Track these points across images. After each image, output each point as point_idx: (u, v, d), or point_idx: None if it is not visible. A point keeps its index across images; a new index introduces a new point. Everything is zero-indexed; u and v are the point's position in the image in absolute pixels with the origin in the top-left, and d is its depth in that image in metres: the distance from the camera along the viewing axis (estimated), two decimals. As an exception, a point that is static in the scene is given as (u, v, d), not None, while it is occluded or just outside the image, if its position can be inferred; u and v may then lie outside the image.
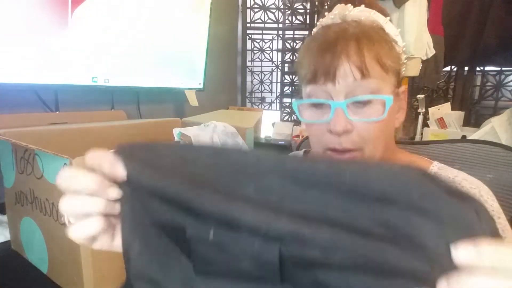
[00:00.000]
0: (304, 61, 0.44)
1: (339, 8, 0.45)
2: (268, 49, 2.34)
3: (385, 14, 0.47)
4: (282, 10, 2.26)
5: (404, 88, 0.47)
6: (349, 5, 0.45)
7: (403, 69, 0.47)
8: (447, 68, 2.06)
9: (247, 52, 2.34)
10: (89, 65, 1.07)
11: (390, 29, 0.45)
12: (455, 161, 0.57)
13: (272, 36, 2.32)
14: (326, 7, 0.48)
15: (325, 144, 0.44)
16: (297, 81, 2.33)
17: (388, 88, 0.42)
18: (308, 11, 2.23)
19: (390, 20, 0.47)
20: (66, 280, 0.61)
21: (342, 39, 0.41)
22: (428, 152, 0.59)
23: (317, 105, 0.44)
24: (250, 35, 2.31)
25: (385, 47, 0.42)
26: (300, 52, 0.46)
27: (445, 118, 1.56)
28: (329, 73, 0.41)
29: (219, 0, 1.80)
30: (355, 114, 0.41)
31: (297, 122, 2.16)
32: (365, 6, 0.46)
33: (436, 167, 0.47)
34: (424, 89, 1.87)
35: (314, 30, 0.48)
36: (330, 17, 0.46)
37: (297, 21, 2.30)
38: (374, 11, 0.45)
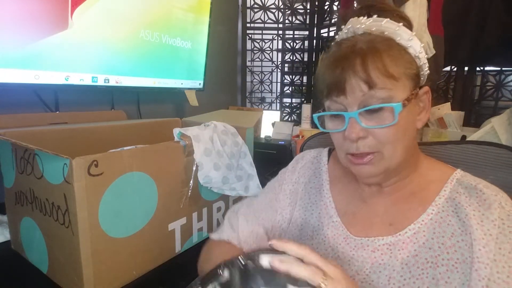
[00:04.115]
0: (320, 77, 0.49)
1: (352, 22, 0.49)
2: (268, 49, 2.34)
3: (399, 19, 0.48)
4: (282, 10, 2.26)
5: (426, 89, 0.48)
6: (362, 17, 0.48)
7: (425, 70, 0.48)
8: (447, 68, 2.05)
9: (247, 52, 2.34)
10: (89, 65, 1.07)
11: (403, 35, 0.46)
12: (459, 162, 0.56)
13: (272, 36, 2.32)
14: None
15: (345, 150, 0.48)
16: (297, 81, 2.34)
17: (402, 93, 0.44)
18: (308, 11, 2.23)
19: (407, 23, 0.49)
20: (66, 280, 0.61)
21: (350, 54, 0.45)
22: (432, 153, 0.59)
23: (335, 116, 0.48)
24: (250, 35, 2.31)
25: (393, 57, 0.44)
26: (318, 67, 0.50)
27: (445, 118, 1.56)
28: (340, 88, 0.45)
29: (219, 0, 1.80)
30: (368, 121, 0.45)
31: (297, 122, 2.16)
32: (384, 11, 0.48)
33: (459, 174, 0.49)
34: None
35: (332, 44, 0.51)
36: (344, 31, 0.50)
37: (297, 21, 2.30)
38: (387, 19, 0.47)
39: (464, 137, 1.43)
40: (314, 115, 0.50)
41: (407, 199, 0.50)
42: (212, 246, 0.62)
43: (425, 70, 0.48)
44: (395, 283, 0.45)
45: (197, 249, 0.81)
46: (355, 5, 1.62)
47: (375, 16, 0.48)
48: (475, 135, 1.28)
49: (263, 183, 0.91)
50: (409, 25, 0.49)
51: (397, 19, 0.47)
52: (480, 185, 0.46)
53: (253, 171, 0.89)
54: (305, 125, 1.78)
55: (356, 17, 0.49)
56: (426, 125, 1.63)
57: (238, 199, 0.96)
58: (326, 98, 0.48)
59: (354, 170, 0.50)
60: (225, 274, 0.37)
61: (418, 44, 0.47)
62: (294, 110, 2.42)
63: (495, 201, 0.44)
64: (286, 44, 2.33)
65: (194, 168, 0.77)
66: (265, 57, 2.35)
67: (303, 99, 2.36)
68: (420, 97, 0.48)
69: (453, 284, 0.42)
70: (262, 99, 2.46)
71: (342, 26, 0.51)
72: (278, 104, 2.44)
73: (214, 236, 0.63)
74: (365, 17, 0.48)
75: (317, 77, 0.50)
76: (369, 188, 0.53)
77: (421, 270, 0.44)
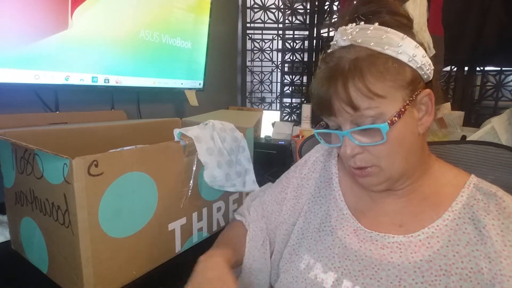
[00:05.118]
0: (312, 95, 0.49)
1: (339, 33, 0.47)
2: (268, 49, 2.34)
3: (404, 24, 0.46)
4: (282, 10, 2.26)
5: (427, 91, 0.46)
6: (349, 25, 0.46)
7: (426, 69, 0.45)
8: (447, 68, 2.05)
9: (247, 52, 2.34)
10: (89, 65, 1.07)
11: (391, 41, 0.43)
12: (459, 162, 0.56)
13: (272, 36, 2.32)
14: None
15: (346, 163, 0.49)
16: (297, 81, 2.34)
17: (392, 107, 0.43)
18: (308, 11, 2.23)
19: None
20: (66, 280, 0.61)
21: (333, 75, 0.44)
22: (431, 153, 0.59)
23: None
24: (250, 35, 2.31)
25: (377, 74, 0.42)
26: (311, 84, 0.49)
27: (445, 118, 1.56)
28: (328, 110, 0.46)
29: (219, 0, 1.80)
30: (362, 137, 0.45)
31: (297, 122, 2.16)
32: (387, 12, 0.45)
33: (475, 179, 0.48)
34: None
35: (321, 58, 0.50)
36: (333, 43, 0.48)
37: (297, 21, 2.30)
38: (374, 25, 0.44)
39: (464, 137, 1.43)
40: (314, 131, 0.52)
41: (419, 202, 0.50)
42: (231, 225, 0.68)
43: (427, 69, 0.45)
44: (406, 285, 0.44)
45: (197, 249, 0.82)
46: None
47: (362, 22, 0.45)
48: (475, 135, 1.28)
49: (263, 183, 0.91)
50: (406, 20, 0.47)
51: (389, 17, 0.45)
52: (500, 192, 0.45)
53: (249, 166, 0.89)
54: (305, 125, 1.78)
55: (344, 26, 0.47)
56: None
57: (239, 199, 0.96)
58: (321, 116, 0.49)
59: (358, 181, 0.51)
60: None
61: (411, 45, 0.44)
62: (294, 110, 2.42)
63: None
64: (286, 44, 2.33)
65: (194, 168, 0.77)
66: (265, 57, 2.35)
67: (303, 99, 2.36)
68: (420, 101, 0.46)
69: None
70: (262, 99, 2.45)
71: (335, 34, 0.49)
72: (278, 104, 2.44)
73: (236, 215, 0.69)
74: (353, 24, 0.46)
75: (310, 94, 0.50)
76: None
77: (434, 277, 0.43)
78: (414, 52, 0.44)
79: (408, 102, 0.43)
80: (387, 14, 0.45)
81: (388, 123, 0.42)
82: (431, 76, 0.47)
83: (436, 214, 0.47)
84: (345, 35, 0.46)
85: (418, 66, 0.44)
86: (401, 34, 0.44)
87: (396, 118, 0.42)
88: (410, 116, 0.45)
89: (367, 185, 0.50)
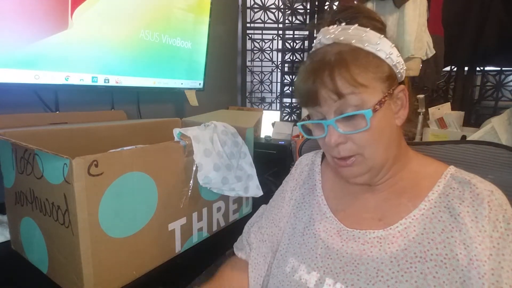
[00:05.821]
0: (296, 88, 0.52)
1: (322, 32, 0.51)
2: (268, 49, 2.34)
3: (379, 28, 0.49)
4: (282, 10, 2.26)
5: (402, 87, 0.50)
6: (331, 26, 0.50)
7: (400, 68, 0.49)
8: (447, 68, 2.05)
9: (247, 52, 2.34)
10: (89, 65, 1.07)
11: (370, 40, 0.47)
12: (458, 162, 0.56)
13: (272, 36, 2.32)
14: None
15: (330, 154, 0.51)
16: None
17: (374, 97, 0.46)
18: (308, 11, 2.23)
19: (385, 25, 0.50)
20: (66, 280, 0.61)
21: (319, 67, 0.47)
22: (431, 153, 0.59)
23: (316, 123, 0.51)
24: (250, 35, 2.31)
25: (360, 66, 0.45)
26: (296, 79, 0.53)
27: (445, 118, 1.56)
28: (313, 99, 0.48)
29: (219, 0, 1.80)
30: (345, 127, 0.47)
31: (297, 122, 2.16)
32: (364, 17, 0.49)
33: (452, 169, 0.50)
34: (424, 89, 1.87)
35: (307, 55, 0.53)
36: (317, 42, 0.52)
37: (297, 21, 2.30)
38: (354, 26, 0.48)
39: (464, 137, 1.43)
40: (297, 123, 0.53)
41: (399, 195, 0.51)
42: (229, 261, 0.68)
43: (401, 68, 0.49)
44: (383, 275, 0.45)
45: (197, 249, 0.82)
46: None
47: (343, 24, 0.49)
48: (475, 135, 1.28)
49: (263, 183, 0.91)
50: (380, 25, 0.50)
51: (366, 21, 0.49)
52: (474, 180, 0.47)
53: (252, 171, 0.89)
54: (305, 125, 1.77)
55: (326, 27, 0.51)
56: (426, 125, 1.63)
57: (239, 198, 0.96)
58: (305, 107, 0.51)
59: (341, 172, 0.52)
60: None
61: (387, 44, 0.48)
62: (294, 110, 2.42)
63: (488, 196, 0.44)
64: (286, 44, 2.33)
65: (194, 168, 0.77)
66: (265, 57, 2.35)
67: (303, 99, 2.36)
68: (396, 96, 0.49)
69: (441, 279, 0.42)
70: (262, 99, 2.46)
71: (315, 35, 0.53)
72: (278, 104, 2.44)
73: (236, 251, 0.69)
74: (335, 26, 0.50)
75: (295, 88, 0.52)
76: (360, 185, 0.55)
77: (409, 264, 0.45)
78: (390, 50, 0.48)
79: (386, 94, 0.47)
80: (364, 19, 0.49)
81: (372, 109, 0.45)
82: (403, 76, 0.51)
83: (413, 205, 0.49)
84: (328, 35, 0.49)
85: (393, 64, 0.48)
86: (378, 34, 0.48)
87: (378, 106, 0.45)
88: (388, 108, 0.48)
89: (349, 175, 0.51)
